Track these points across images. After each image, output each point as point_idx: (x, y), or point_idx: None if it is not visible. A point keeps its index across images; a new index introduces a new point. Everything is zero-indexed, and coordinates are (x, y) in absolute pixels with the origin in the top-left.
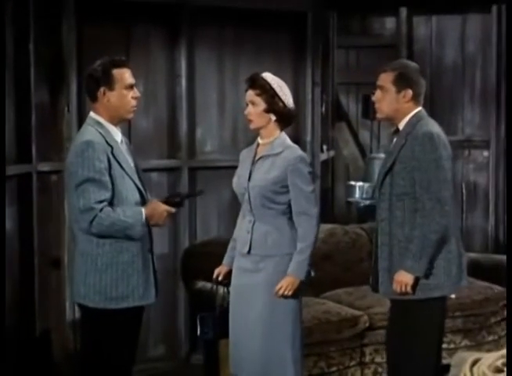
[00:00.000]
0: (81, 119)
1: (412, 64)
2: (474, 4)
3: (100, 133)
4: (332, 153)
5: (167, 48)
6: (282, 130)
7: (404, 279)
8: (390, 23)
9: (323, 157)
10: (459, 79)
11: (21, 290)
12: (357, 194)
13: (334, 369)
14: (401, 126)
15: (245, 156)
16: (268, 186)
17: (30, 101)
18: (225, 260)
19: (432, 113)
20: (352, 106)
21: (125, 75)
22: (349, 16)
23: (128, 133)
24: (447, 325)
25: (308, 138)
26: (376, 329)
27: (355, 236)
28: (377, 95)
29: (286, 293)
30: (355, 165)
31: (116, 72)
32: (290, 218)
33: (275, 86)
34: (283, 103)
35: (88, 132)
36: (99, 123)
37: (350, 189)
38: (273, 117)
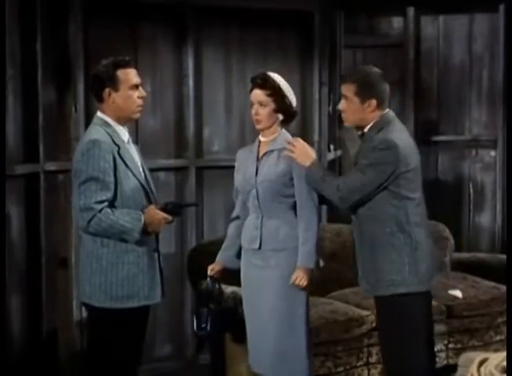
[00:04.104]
0: (89, 119)
1: (374, 71)
2: (481, 3)
3: (107, 132)
4: (339, 152)
5: (175, 48)
6: (282, 127)
7: None
8: (397, 22)
9: (330, 156)
10: (466, 78)
11: (28, 290)
12: None
13: (341, 369)
14: (366, 130)
15: (245, 154)
16: (277, 178)
17: (37, 101)
18: (219, 258)
19: (439, 113)
20: None
21: (130, 75)
22: (356, 16)
23: (135, 133)
24: (454, 325)
25: (316, 137)
26: None
27: None
28: (343, 105)
29: (300, 283)
30: None
31: (120, 72)
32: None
33: (283, 87)
34: (290, 102)
35: (95, 131)
36: (106, 122)
37: None
38: (281, 117)
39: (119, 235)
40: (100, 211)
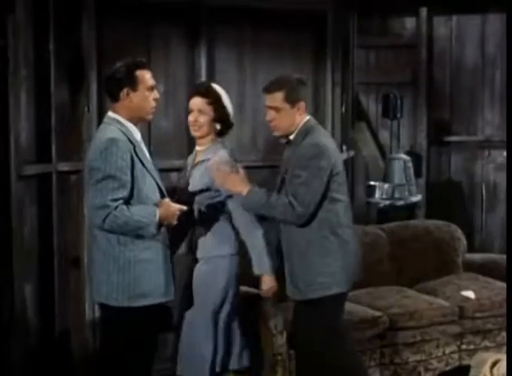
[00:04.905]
0: (101, 119)
1: (293, 76)
2: (493, 3)
3: (122, 131)
4: (351, 153)
5: (187, 48)
6: (218, 138)
7: None
8: (410, 23)
9: (343, 157)
10: (478, 79)
11: (40, 290)
12: (377, 195)
13: None
14: (291, 137)
15: (189, 162)
16: (201, 190)
17: (50, 101)
18: None
19: (452, 113)
20: (372, 106)
21: (147, 76)
22: (369, 17)
23: (148, 133)
24: (466, 326)
25: None
26: (396, 330)
27: (375, 237)
28: (271, 116)
29: (271, 293)
30: (375, 165)
31: (139, 73)
32: (230, 220)
33: (224, 97)
34: (228, 113)
35: (111, 130)
36: (118, 122)
37: (370, 190)
38: (218, 127)
39: (135, 231)
40: (115, 208)
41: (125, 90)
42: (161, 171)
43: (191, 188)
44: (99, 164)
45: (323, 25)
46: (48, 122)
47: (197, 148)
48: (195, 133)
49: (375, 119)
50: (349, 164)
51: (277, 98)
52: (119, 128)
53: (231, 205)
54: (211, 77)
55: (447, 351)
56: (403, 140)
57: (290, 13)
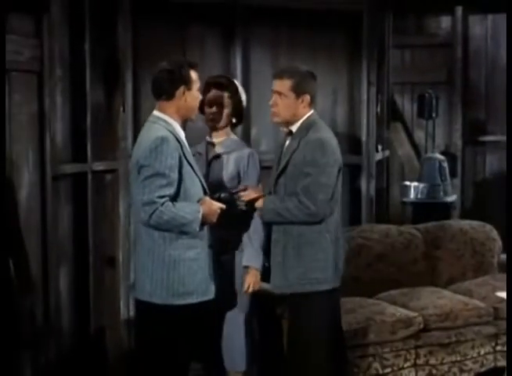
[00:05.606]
0: (137, 119)
1: (306, 69)
2: None
3: (168, 130)
4: (387, 153)
5: (222, 48)
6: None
7: None
8: (445, 22)
9: (378, 156)
10: None
11: (76, 288)
12: (412, 194)
13: (388, 370)
14: (294, 129)
15: (200, 152)
16: (227, 182)
17: (85, 101)
18: None
19: (487, 113)
20: (407, 106)
21: (195, 77)
22: (404, 16)
23: None
24: (501, 327)
25: (364, 138)
26: (430, 330)
27: (410, 237)
28: (275, 101)
29: (255, 288)
30: (410, 165)
31: (192, 73)
32: None
33: (241, 91)
34: (243, 108)
35: (158, 129)
36: (165, 121)
37: (405, 190)
38: (234, 120)
39: (179, 227)
40: (162, 204)
41: (182, 89)
42: None
43: (212, 179)
44: (150, 161)
45: (359, 25)
46: (84, 122)
47: (212, 140)
48: (215, 124)
49: (410, 119)
50: (384, 163)
51: (285, 84)
52: (165, 126)
53: None
54: (246, 77)
55: (482, 352)
56: (438, 140)
57: (325, 13)
